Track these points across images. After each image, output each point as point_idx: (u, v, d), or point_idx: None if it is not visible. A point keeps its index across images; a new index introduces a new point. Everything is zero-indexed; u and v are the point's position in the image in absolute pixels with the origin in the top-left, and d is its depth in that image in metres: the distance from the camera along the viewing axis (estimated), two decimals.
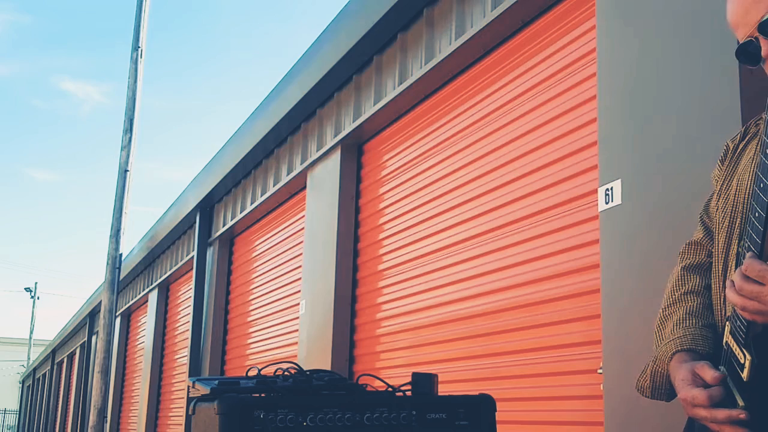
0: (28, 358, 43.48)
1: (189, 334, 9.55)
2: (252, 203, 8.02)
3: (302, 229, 6.88)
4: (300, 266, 6.80)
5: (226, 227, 8.89)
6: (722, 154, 1.73)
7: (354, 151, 6.09)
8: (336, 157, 6.10)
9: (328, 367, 5.61)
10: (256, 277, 8.26)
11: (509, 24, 4.26)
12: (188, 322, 9.92)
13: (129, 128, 9.78)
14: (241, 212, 8.39)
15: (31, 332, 45.74)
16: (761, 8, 1.47)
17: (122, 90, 16.89)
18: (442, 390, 2.45)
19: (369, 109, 5.56)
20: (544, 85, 4.06)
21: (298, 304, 6.66)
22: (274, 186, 7.41)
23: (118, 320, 15.31)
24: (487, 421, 2.36)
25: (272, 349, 7.45)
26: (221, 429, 2.12)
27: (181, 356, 10.78)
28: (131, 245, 13.88)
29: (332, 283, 5.87)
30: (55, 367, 27.41)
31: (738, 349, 1.42)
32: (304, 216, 6.80)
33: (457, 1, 4.60)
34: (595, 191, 3.46)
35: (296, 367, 2.41)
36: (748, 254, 1.37)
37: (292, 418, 2.17)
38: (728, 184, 1.65)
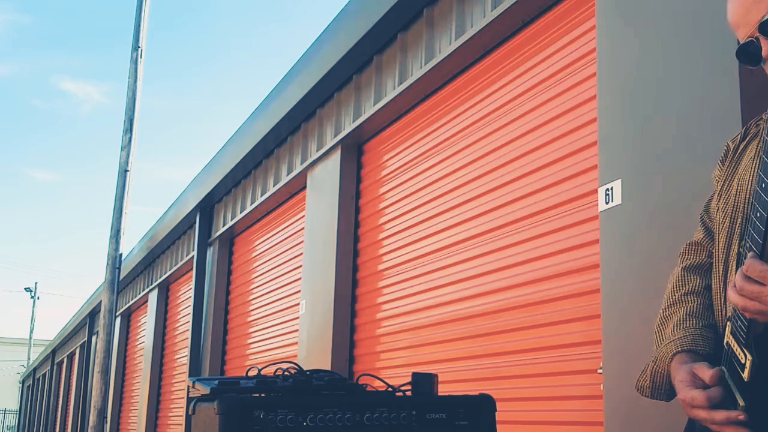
0: (28, 358, 43.48)
1: (189, 334, 9.55)
2: (252, 203, 8.02)
3: (302, 229, 6.88)
4: (300, 266, 6.80)
5: (226, 227, 8.89)
6: (723, 155, 1.73)
7: (354, 151, 6.09)
8: (336, 157, 6.10)
9: (328, 367, 5.61)
10: (256, 277, 8.26)
11: (509, 24, 4.26)
12: (188, 322, 9.92)
13: (129, 128, 9.78)
14: (241, 212, 8.39)
15: (31, 332, 45.75)
16: (762, 8, 1.47)
17: (122, 90, 16.89)
18: (442, 390, 2.45)
19: (369, 109, 5.56)
20: (544, 85, 4.06)
21: (298, 304, 6.66)
22: (274, 186, 7.41)
23: (118, 320, 15.31)
24: (487, 421, 2.36)
25: (272, 349, 7.45)
26: (221, 429, 2.12)
27: (181, 356, 10.78)
28: (131, 245, 13.89)
29: (332, 283, 5.87)
30: (55, 367, 27.41)
31: (739, 349, 1.42)
32: (304, 216, 6.80)
33: (457, 1, 4.60)
34: (595, 191, 3.46)
35: (296, 367, 2.41)
36: (749, 254, 1.37)
37: (292, 418, 2.17)
38: (729, 184, 1.65)
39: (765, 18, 1.46)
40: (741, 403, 1.39)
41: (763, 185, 1.35)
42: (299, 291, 6.70)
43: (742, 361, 1.40)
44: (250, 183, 8.17)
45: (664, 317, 1.71)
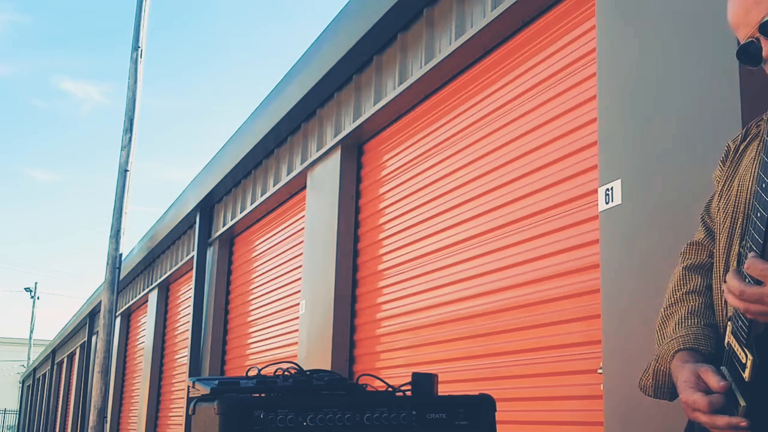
0: (28, 358, 43.48)
1: (189, 334, 9.56)
2: (252, 203, 8.02)
3: (302, 229, 6.88)
4: (300, 266, 6.80)
5: (226, 227, 8.89)
6: (723, 155, 1.74)
7: (354, 151, 6.09)
8: (336, 157, 6.10)
9: (328, 367, 5.61)
10: (256, 277, 8.26)
11: (509, 24, 4.26)
12: (188, 322, 9.92)
13: (129, 128, 9.78)
14: (241, 212, 8.39)
15: (31, 332, 45.75)
16: (762, 9, 1.47)
17: (122, 90, 16.89)
18: (442, 390, 2.45)
19: (369, 109, 5.56)
20: (544, 85, 4.06)
21: (298, 304, 6.66)
22: (274, 186, 7.41)
23: (118, 320, 15.31)
24: (487, 421, 2.36)
25: (272, 349, 7.45)
26: (221, 429, 2.12)
27: (181, 356, 10.78)
28: (131, 245, 13.89)
29: (332, 283, 5.87)
30: (55, 367, 27.41)
31: (740, 349, 1.42)
32: (304, 216, 6.80)
33: (457, 1, 4.60)
34: (595, 191, 3.46)
35: (296, 367, 2.41)
36: (750, 254, 1.37)
37: (292, 418, 2.17)
38: (729, 184, 1.65)
39: (765, 19, 1.46)
40: (742, 403, 1.39)
41: (764, 185, 1.35)
42: (299, 291, 6.70)
43: (743, 361, 1.40)
44: (250, 183, 8.17)
45: (666, 316, 1.71)
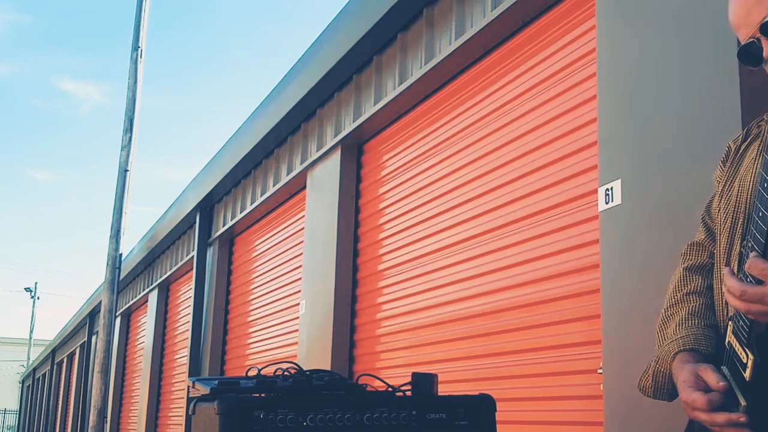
0: (28, 358, 43.48)
1: (189, 334, 9.55)
2: (252, 203, 8.02)
3: (302, 229, 6.88)
4: (300, 266, 6.80)
5: (226, 227, 8.89)
6: (724, 156, 1.74)
7: (354, 151, 6.09)
8: (336, 157, 6.10)
9: (328, 367, 5.61)
10: (256, 277, 8.26)
11: (509, 24, 4.26)
12: (188, 322, 9.92)
13: (129, 128, 9.78)
14: (241, 212, 8.39)
15: (31, 332, 45.75)
16: (763, 9, 1.47)
17: (122, 90, 16.89)
18: (442, 390, 2.45)
19: (369, 109, 5.56)
20: (544, 85, 4.06)
21: (298, 304, 6.66)
22: (274, 186, 7.41)
23: (118, 320, 15.31)
24: (487, 421, 2.36)
25: (272, 349, 7.44)
26: (221, 429, 2.12)
27: (181, 356, 10.78)
28: (131, 245, 13.89)
29: (332, 283, 5.87)
30: (55, 367, 27.41)
31: (740, 348, 1.42)
32: (304, 216, 6.80)
33: (457, 1, 4.60)
34: (595, 191, 3.46)
35: (296, 367, 2.41)
36: (751, 253, 1.37)
37: (292, 418, 2.17)
38: (730, 185, 1.65)
39: (766, 19, 1.46)
40: (742, 402, 1.40)
41: (766, 185, 1.35)
42: (299, 291, 6.70)
43: (744, 361, 1.40)
44: (250, 183, 8.17)
45: (666, 317, 1.71)
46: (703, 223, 1.80)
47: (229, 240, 9.28)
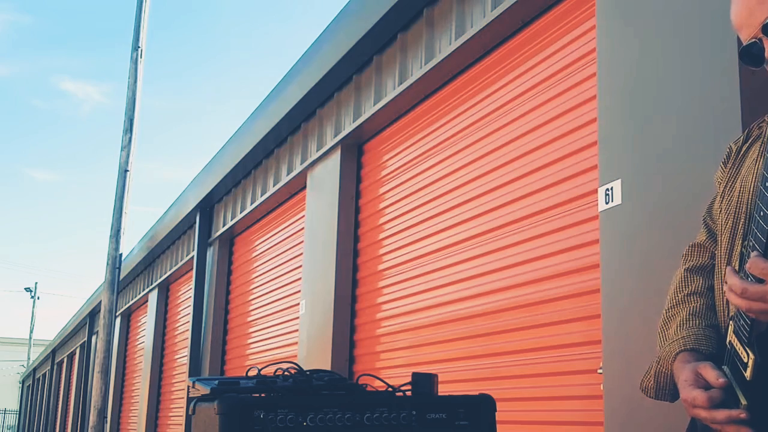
0: (28, 358, 43.48)
1: (189, 334, 9.55)
2: (252, 203, 8.02)
3: (302, 229, 6.88)
4: (300, 266, 6.80)
5: (226, 227, 8.89)
6: (725, 157, 1.74)
7: (354, 151, 6.09)
8: (336, 157, 6.10)
9: (328, 367, 5.61)
10: (256, 277, 8.26)
11: (509, 24, 4.26)
12: (188, 322, 9.92)
13: (129, 128, 9.78)
14: (241, 212, 8.39)
15: (31, 332, 45.75)
16: (765, 10, 1.47)
17: (122, 90, 16.89)
18: (442, 390, 2.45)
19: (369, 109, 5.56)
20: (544, 85, 4.06)
21: (298, 304, 6.66)
22: (274, 186, 7.41)
23: (118, 320, 15.31)
24: (487, 421, 2.36)
25: (272, 349, 7.44)
26: (221, 429, 2.12)
27: (181, 356, 10.78)
28: (131, 245, 13.89)
29: (332, 283, 5.87)
30: (55, 367, 27.42)
31: (741, 348, 1.42)
32: (304, 216, 6.80)
33: (457, 1, 4.60)
34: (595, 191, 3.46)
35: (296, 367, 2.41)
36: (753, 253, 1.37)
37: (292, 418, 2.17)
38: (731, 185, 1.65)
39: None
40: (743, 402, 1.40)
41: (767, 184, 1.35)
42: (299, 291, 6.70)
43: (745, 360, 1.40)
44: (250, 183, 8.17)
45: (668, 317, 1.71)
46: (704, 224, 1.80)
47: (229, 240, 9.28)
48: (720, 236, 1.65)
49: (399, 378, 2.90)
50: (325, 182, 6.28)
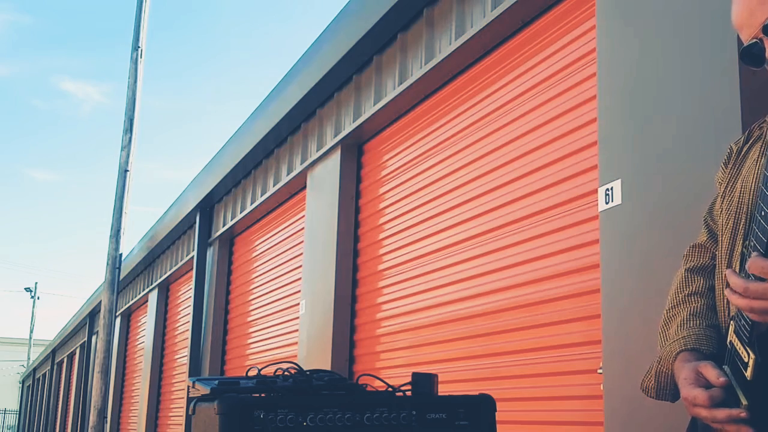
0: (28, 358, 43.48)
1: (189, 334, 9.55)
2: (252, 203, 8.02)
3: (302, 229, 6.88)
4: (300, 266, 6.80)
5: (226, 227, 8.89)
6: (726, 157, 1.74)
7: (354, 151, 6.09)
8: (336, 157, 6.10)
9: (328, 367, 5.61)
10: (256, 277, 8.26)
11: (509, 24, 4.26)
12: (188, 322, 9.92)
13: (129, 128, 9.78)
14: (241, 212, 8.39)
15: (31, 332, 45.75)
16: (766, 10, 1.47)
17: (122, 90, 16.89)
18: (442, 390, 2.45)
19: (369, 109, 5.56)
20: (544, 85, 4.06)
21: (298, 304, 6.66)
22: (274, 186, 7.41)
23: (118, 320, 15.31)
24: (487, 421, 2.36)
25: (272, 349, 7.44)
26: (221, 429, 2.12)
27: (181, 356, 10.78)
28: (131, 245, 13.89)
29: (332, 283, 5.87)
30: (55, 367, 27.41)
31: (742, 348, 1.42)
32: (304, 216, 6.80)
33: (457, 1, 4.60)
34: (595, 191, 3.46)
35: (296, 367, 2.41)
36: (753, 253, 1.37)
37: (292, 418, 2.17)
38: (732, 186, 1.65)
39: None
40: (744, 402, 1.40)
41: None
42: (299, 291, 6.70)
43: (745, 360, 1.40)
44: (250, 183, 8.17)
45: (668, 318, 1.71)
46: (705, 225, 1.80)
47: (229, 240, 9.28)
48: (721, 237, 1.65)
49: (399, 378, 2.90)
50: (325, 182, 6.28)
